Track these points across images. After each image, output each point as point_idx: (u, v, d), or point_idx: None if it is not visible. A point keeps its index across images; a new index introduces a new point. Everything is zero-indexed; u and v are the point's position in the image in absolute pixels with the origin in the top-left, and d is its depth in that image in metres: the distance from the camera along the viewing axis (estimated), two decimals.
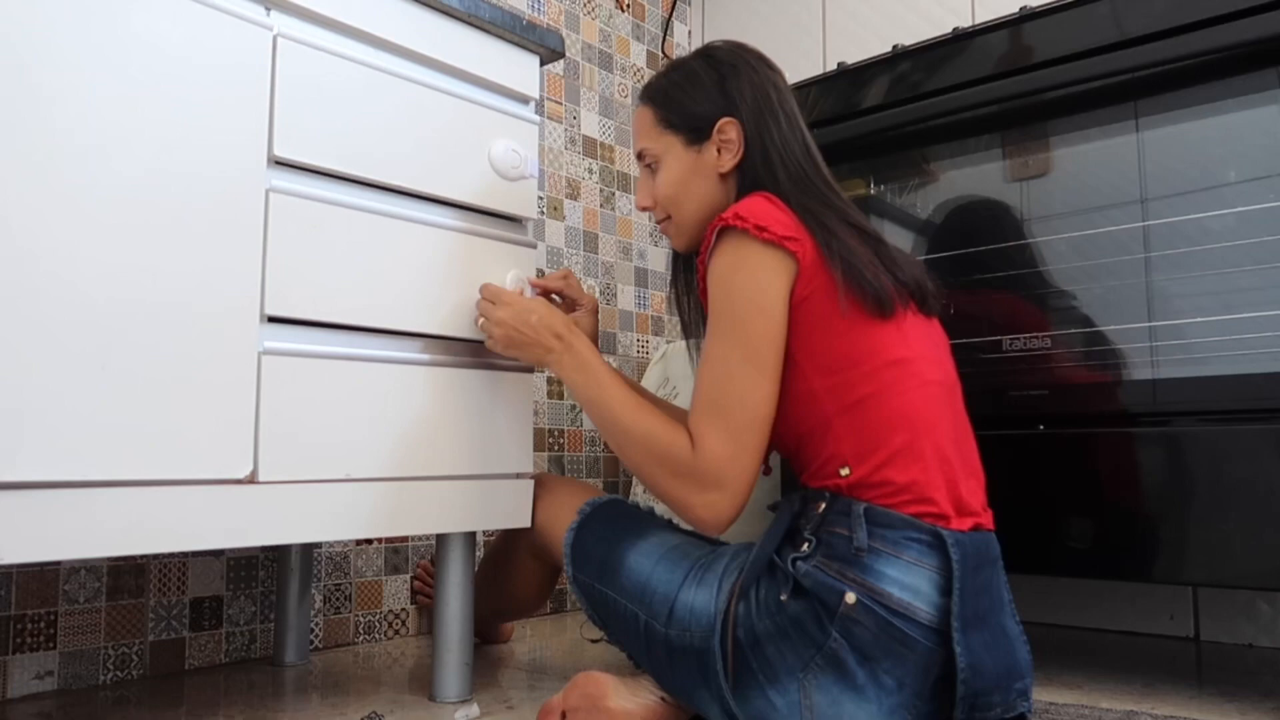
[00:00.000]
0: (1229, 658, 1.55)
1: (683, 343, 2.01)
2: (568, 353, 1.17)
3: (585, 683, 1.08)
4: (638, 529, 1.17)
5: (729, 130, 1.17)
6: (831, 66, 2.02)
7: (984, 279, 1.44)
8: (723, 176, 1.19)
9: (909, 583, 0.97)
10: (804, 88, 1.66)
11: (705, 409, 1.06)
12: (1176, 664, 1.51)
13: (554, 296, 1.35)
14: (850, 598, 0.97)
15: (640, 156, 1.25)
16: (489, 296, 1.21)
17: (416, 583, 1.70)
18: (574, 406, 2.00)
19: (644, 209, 1.27)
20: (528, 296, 1.24)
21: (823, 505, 1.03)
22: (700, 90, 1.19)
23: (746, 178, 1.17)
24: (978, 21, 1.51)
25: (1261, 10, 1.19)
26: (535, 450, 1.88)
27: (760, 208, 1.08)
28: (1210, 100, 1.27)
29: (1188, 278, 1.27)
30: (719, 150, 1.18)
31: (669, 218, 1.23)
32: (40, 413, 0.84)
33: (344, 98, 1.10)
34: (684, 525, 1.21)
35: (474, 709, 1.16)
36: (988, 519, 1.07)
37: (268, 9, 1.04)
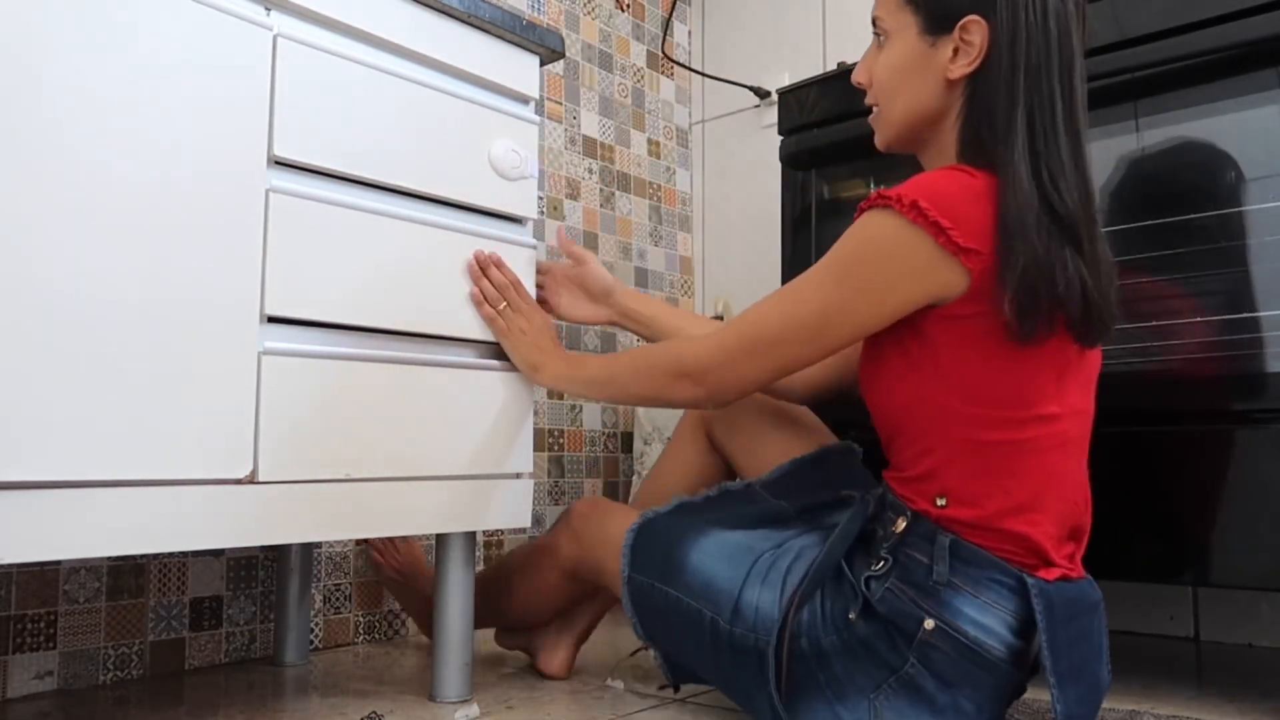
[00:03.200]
0: (1229, 658, 1.55)
1: None
2: (559, 361, 1.22)
3: None
4: (699, 528, 1.13)
5: (973, 32, 0.98)
6: (831, 66, 2.03)
7: None
8: (950, 83, 1.01)
9: (983, 622, 0.94)
10: (803, 88, 1.66)
11: (742, 327, 1.04)
12: (1176, 664, 1.51)
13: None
14: (929, 624, 0.94)
15: (874, 22, 1.08)
16: (515, 306, 1.23)
17: (374, 553, 1.59)
18: (574, 406, 2.00)
19: (858, 84, 1.11)
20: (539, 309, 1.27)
21: (903, 523, 0.98)
22: None
23: (978, 97, 0.99)
24: None
25: (1261, 10, 1.19)
26: (535, 450, 1.88)
27: (948, 195, 0.94)
28: (1210, 100, 1.27)
29: (1188, 277, 1.27)
30: (955, 51, 1.00)
31: (877, 105, 1.09)
32: (40, 412, 0.84)
33: (344, 98, 1.09)
34: (743, 524, 1.15)
35: (474, 709, 1.16)
36: (1077, 569, 1.01)
37: (268, 9, 1.04)
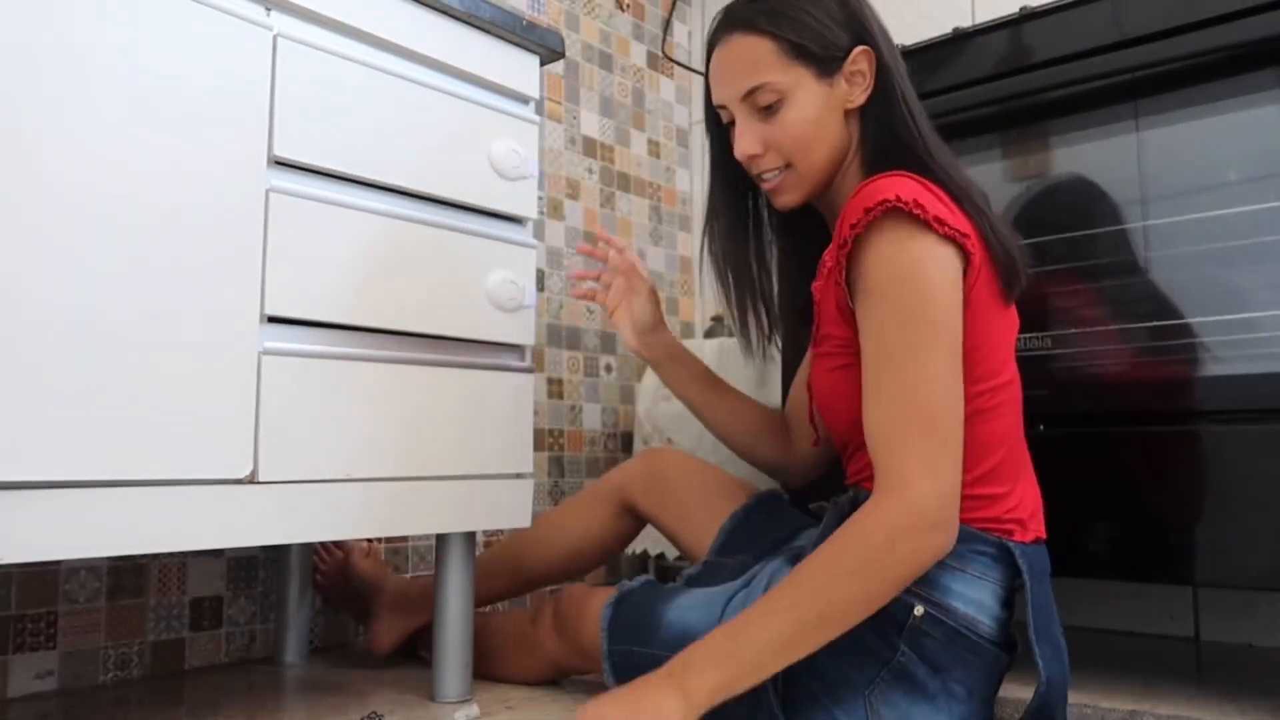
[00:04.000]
0: (1229, 658, 1.55)
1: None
2: (700, 681, 0.92)
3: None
4: (674, 592, 1.14)
5: (861, 62, 1.05)
6: None
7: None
8: (848, 114, 1.08)
9: (974, 597, 0.96)
10: None
11: (910, 432, 0.90)
12: (1176, 664, 1.51)
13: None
14: (919, 610, 0.94)
15: (749, 94, 1.07)
16: None
17: (314, 558, 1.54)
18: (574, 406, 2.00)
19: (753, 157, 1.09)
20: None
21: None
22: (827, 12, 1.06)
23: (872, 120, 1.07)
24: (978, 21, 1.51)
25: (1261, 10, 1.19)
26: (535, 450, 1.88)
27: (922, 192, 0.95)
28: (1210, 100, 1.27)
29: (1188, 278, 1.27)
30: (847, 83, 1.06)
31: (789, 166, 1.08)
32: (40, 412, 0.84)
33: (344, 98, 1.09)
34: (717, 582, 1.14)
35: (474, 709, 1.16)
36: (1044, 530, 1.04)
37: (268, 9, 1.04)
